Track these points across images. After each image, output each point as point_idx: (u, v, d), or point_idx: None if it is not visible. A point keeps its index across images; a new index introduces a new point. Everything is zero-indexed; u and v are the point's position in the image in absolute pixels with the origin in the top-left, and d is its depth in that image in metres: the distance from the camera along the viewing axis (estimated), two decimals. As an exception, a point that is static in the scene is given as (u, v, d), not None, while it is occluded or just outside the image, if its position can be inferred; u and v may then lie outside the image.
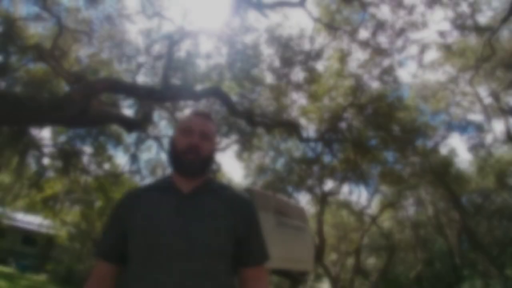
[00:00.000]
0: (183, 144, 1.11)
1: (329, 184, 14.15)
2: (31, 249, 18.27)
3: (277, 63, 9.21)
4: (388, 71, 9.07)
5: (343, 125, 10.37)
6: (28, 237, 17.94)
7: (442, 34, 8.92)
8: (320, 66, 12.63)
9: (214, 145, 1.22)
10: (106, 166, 13.02)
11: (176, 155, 1.12)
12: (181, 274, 0.96)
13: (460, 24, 8.36)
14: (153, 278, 0.97)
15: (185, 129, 1.14)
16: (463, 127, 14.74)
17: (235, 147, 12.52)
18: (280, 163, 13.96)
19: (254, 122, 7.99)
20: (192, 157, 1.09)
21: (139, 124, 7.04)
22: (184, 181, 1.11)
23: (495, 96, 12.79)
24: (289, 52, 8.90)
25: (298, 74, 9.51)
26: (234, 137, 12.12)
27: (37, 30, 11.15)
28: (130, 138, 12.17)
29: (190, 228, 1.02)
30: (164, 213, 1.05)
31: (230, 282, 1.09)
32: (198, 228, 1.02)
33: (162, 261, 0.98)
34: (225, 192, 1.16)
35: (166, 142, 14.22)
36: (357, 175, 11.42)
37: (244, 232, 1.11)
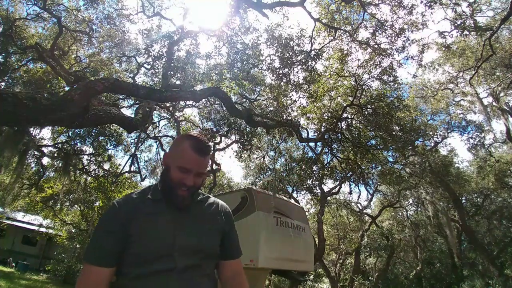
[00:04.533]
0: (177, 178, 1.21)
1: (329, 184, 14.18)
2: (31, 249, 18.27)
3: (277, 63, 9.21)
4: (388, 71, 9.06)
5: (343, 125, 10.36)
6: (28, 237, 17.93)
7: (442, 34, 8.92)
8: (320, 66, 12.68)
9: (206, 175, 1.34)
10: (106, 166, 13.03)
11: (169, 185, 1.22)
12: (183, 272, 1.15)
13: (460, 24, 8.36)
14: (160, 278, 1.13)
15: (182, 167, 1.21)
16: (463, 127, 14.76)
17: (235, 147, 12.52)
18: (280, 163, 13.98)
19: (254, 122, 7.98)
20: (184, 193, 1.21)
21: (139, 125, 7.04)
22: None
23: (495, 96, 12.79)
24: (289, 52, 8.90)
25: (298, 74, 9.52)
26: (234, 137, 12.12)
27: (37, 30, 11.15)
28: (130, 138, 12.18)
29: (188, 234, 1.20)
30: (163, 223, 1.19)
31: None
32: (195, 232, 1.22)
33: (167, 264, 1.14)
34: (207, 200, 1.36)
35: (166, 142, 14.24)
36: (357, 175, 11.41)
37: (228, 229, 1.34)
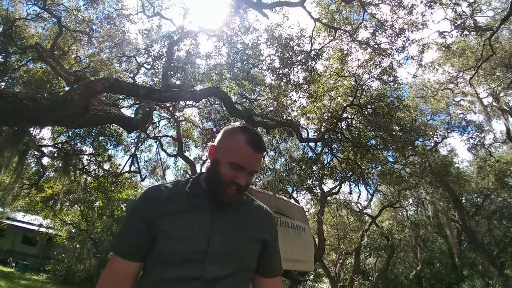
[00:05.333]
0: (228, 176, 1.05)
1: (329, 184, 14.18)
2: (31, 249, 18.28)
3: (277, 63, 9.21)
4: (388, 71, 9.07)
5: (343, 125, 10.37)
6: (28, 237, 17.94)
7: (442, 34, 8.93)
8: (320, 66, 12.69)
9: None
10: (106, 166, 13.03)
11: (218, 182, 1.07)
12: (212, 283, 1.00)
13: (460, 24, 8.36)
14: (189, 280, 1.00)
15: (236, 163, 1.05)
16: (463, 127, 14.77)
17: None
18: (280, 163, 13.97)
19: (254, 122, 7.98)
20: (233, 192, 1.07)
21: (139, 125, 7.04)
22: None
23: (495, 96, 12.80)
24: (289, 52, 8.90)
25: (298, 74, 9.52)
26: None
27: (37, 30, 11.16)
28: (130, 138, 12.18)
29: (225, 238, 1.05)
30: (198, 222, 1.05)
31: None
32: (234, 238, 1.06)
33: (193, 271, 0.99)
34: (252, 203, 1.20)
35: (166, 142, 14.24)
36: (357, 175, 11.41)
37: (270, 240, 1.18)
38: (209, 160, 1.15)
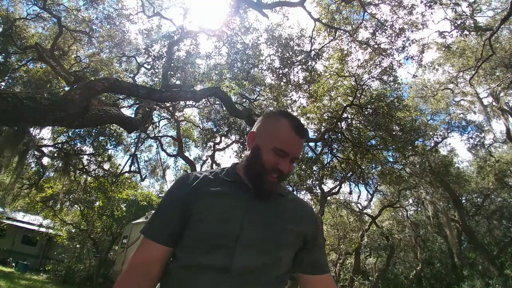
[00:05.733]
0: (271, 162, 1.02)
1: (329, 184, 14.17)
2: (31, 249, 18.28)
3: (277, 63, 9.22)
4: (388, 71, 9.07)
5: (343, 125, 10.37)
6: (28, 237, 17.94)
7: (442, 34, 8.93)
8: (320, 66, 12.69)
9: None
10: (106, 166, 13.03)
11: (260, 168, 1.03)
12: (239, 275, 0.94)
13: (460, 24, 8.36)
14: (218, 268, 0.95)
15: (280, 149, 1.02)
16: (463, 127, 14.76)
17: (235, 147, 12.53)
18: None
19: (254, 122, 7.97)
20: (274, 180, 1.04)
21: (139, 125, 7.04)
22: None
23: (495, 96, 12.80)
24: (289, 52, 8.90)
25: (298, 74, 9.53)
26: (234, 137, 12.13)
27: (37, 30, 11.16)
28: (130, 138, 12.18)
29: (261, 227, 0.99)
30: (232, 206, 1.02)
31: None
32: (270, 227, 1.01)
33: (222, 259, 0.94)
34: (289, 195, 1.15)
35: (166, 142, 14.24)
36: (357, 175, 11.41)
37: (312, 235, 1.11)
38: (248, 148, 1.12)
